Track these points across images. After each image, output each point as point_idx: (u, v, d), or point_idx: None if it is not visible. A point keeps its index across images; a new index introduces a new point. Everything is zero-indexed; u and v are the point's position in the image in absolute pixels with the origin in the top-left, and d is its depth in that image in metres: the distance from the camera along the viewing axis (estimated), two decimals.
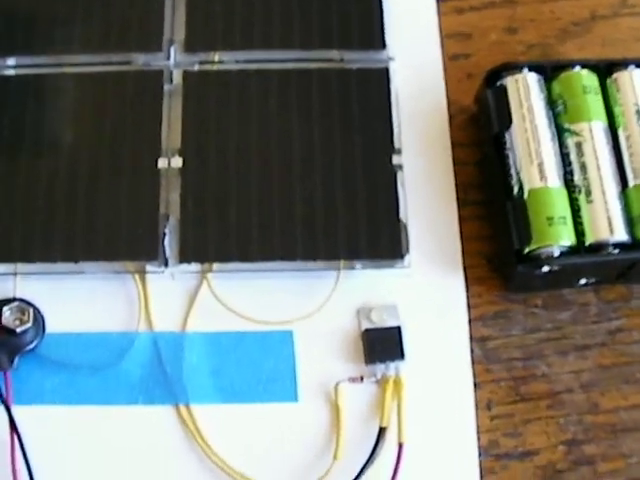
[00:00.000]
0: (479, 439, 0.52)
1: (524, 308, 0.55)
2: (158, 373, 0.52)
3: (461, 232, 0.56)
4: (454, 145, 0.58)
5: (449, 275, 0.55)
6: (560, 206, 0.52)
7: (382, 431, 0.51)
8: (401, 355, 0.52)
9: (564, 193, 0.53)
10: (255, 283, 0.54)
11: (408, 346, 0.52)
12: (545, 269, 0.52)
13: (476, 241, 0.56)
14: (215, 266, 0.53)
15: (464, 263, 0.55)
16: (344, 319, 0.54)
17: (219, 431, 0.51)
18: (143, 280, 0.54)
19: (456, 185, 0.57)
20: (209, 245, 0.53)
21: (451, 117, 0.59)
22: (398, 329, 0.53)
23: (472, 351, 0.53)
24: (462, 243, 0.56)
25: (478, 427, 0.52)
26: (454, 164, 0.57)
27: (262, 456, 0.51)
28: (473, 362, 0.53)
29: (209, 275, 0.54)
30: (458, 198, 0.57)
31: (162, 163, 0.54)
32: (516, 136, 0.54)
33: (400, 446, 0.50)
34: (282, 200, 0.54)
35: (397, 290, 0.54)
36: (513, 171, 0.54)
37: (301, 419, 0.52)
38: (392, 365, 0.52)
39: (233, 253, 0.53)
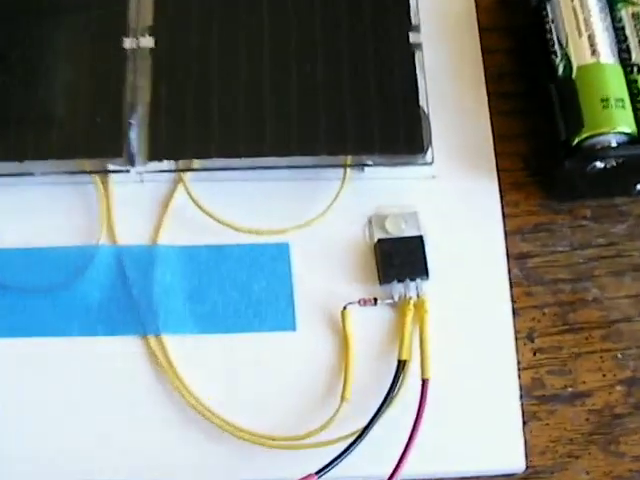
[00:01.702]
0: (520, 377, 0.47)
1: (570, 220, 0.50)
2: (122, 296, 0.47)
3: (493, 129, 0.51)
4: (481, 30, 0.54)
5: (480, 179, 0.50)
6: (616, 86, 0.47)
7: (401, 365, 0.45)
8: (424, 272, 0.46)
9: (620, 72, 0.48)
10: (242, 186, 0.49)
11: (432, 262, 0.47)
12: (599, 165, 0.46)
13: (511, 140, 0.51)
14: (194, 164, 0.48)
15: (497, 165, 0.50)
16: (352, 228, 0.48)
17: (198, 367, 0.46)
18: (105, 183, 0.48)
19: (485, 75, 0.52)
20: (186, 139, 0.47)
21: None
22: (420, 239, 0.46)
23: (509, 271, 0.48)
24: (494, 142, 0.51)
25: (518, 362, 0.47)
26: (482, 52, 0.53)
27: (251, 398, 0.45)
28: (511, 284, 0.48)
29: (186, 176, 0.48)
30: (488, 90, 0.52)
31: (129, 43, 0.49)
32: (561, 5, 0.48)
33: (424, 383, 0.44)
34: (276, 84, 0.48)
35: (418, 195, 0.49)
36: (557, 47, 0.48)
37: (300, 351, 0.46)
38: (412, 284, 0.46)
39: (215, 148, 0.47)
